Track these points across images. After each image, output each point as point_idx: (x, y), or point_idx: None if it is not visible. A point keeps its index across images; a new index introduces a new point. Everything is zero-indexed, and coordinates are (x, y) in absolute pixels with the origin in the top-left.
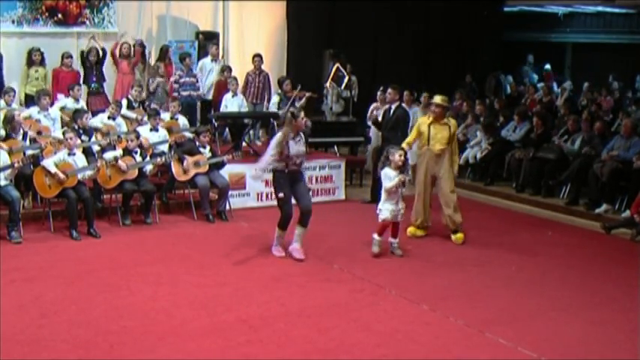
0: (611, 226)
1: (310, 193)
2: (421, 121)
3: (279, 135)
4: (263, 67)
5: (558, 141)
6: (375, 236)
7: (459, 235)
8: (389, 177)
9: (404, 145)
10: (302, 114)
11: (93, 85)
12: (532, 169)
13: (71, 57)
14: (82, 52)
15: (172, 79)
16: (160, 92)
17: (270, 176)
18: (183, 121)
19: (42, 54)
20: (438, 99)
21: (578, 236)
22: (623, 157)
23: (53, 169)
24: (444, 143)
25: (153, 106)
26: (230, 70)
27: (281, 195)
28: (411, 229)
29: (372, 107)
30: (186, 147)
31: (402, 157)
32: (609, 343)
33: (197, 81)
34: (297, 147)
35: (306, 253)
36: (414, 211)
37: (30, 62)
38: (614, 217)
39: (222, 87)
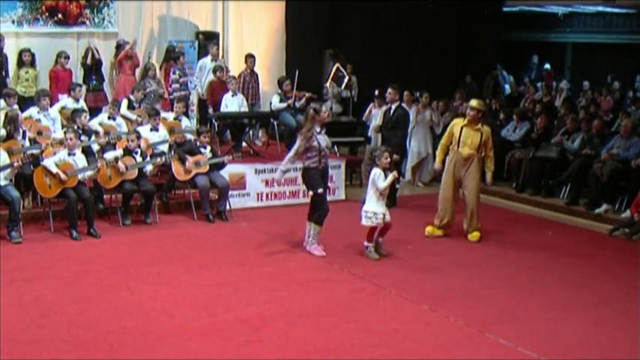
0: (614, 229)
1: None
2: (455, 122)
3: (304, 132)
4: (262, 67)
5: (559, 137)
6: (368, 244)
7: (475, 234)
8: (381, 177)
9: (440, 148)
10: (324, 108)
11: (93, 82)
12: (532, 169)
13: (68, 57)
14: (82, 64)
15: (172, 79)
16: (153, 94)
17: (285, 175)
18: (185, 122)
19: (32, 55)
20: (474, 102)
21: (578, 236)
22: (622, 156)
23: (54, 170)
24: (473, 148)
25: (145, 106)
26: (222, 69)
27: (320, 191)
28: (429, 229)
29: (369, 107)
30: (187, 147)
31: (389, 159)
32: (609, 343)
33: (189, 81)
34: (325, 139)
35: (306, 253)
36: (441, 211)
37: (20, 63)
38: (614, 217)
39: (215, 87)
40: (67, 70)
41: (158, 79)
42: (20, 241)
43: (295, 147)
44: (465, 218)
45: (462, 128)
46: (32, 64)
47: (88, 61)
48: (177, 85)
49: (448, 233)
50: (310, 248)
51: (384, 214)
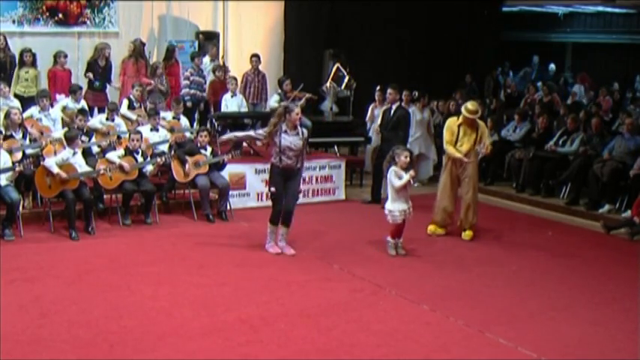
0: (611, 227)
1: (300, 194)
2: (451, 121)
3: (269, 126)
4: (260, 67)
5: (552, 146)
6: (390, 239)
7: (468, 232)
8: (398, 175)
9: (452, 151)
10: (298, 109)
11: (96, 83)
12: (532, 169)
13: (66, 57)
14: (89, 63)
15: (184, 75)
16: (157, 92)
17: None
18: (185, 121)
19: (33, 55)
20: (470, 106)
21: (578, 236)
22: (628, 147)
23: (55, 170)
24: (470, 143)
25: (148, 105)
26: (221, 69)
27: (272, 190)
28: (431, 227)
29: (371, 107)
30: (187, 147)
31: (408, 158)
32: (609, 343)
33: (205, 82)
34: (290, 140)
35: (306, 253)
36: (437, 208)
37: (21, 63)
38: (615, 217)
39: (215, 87)
40: (66, 70)
41: (163, 78)
42: (13, 239)
43: (256, 131)
44: (461, 213)
45: (458, 127)
46: (33, 64)
47: (100, 62)
48: (187, 82)
49: (449, 231)
50: (267, 246)
51: (400, 212)
